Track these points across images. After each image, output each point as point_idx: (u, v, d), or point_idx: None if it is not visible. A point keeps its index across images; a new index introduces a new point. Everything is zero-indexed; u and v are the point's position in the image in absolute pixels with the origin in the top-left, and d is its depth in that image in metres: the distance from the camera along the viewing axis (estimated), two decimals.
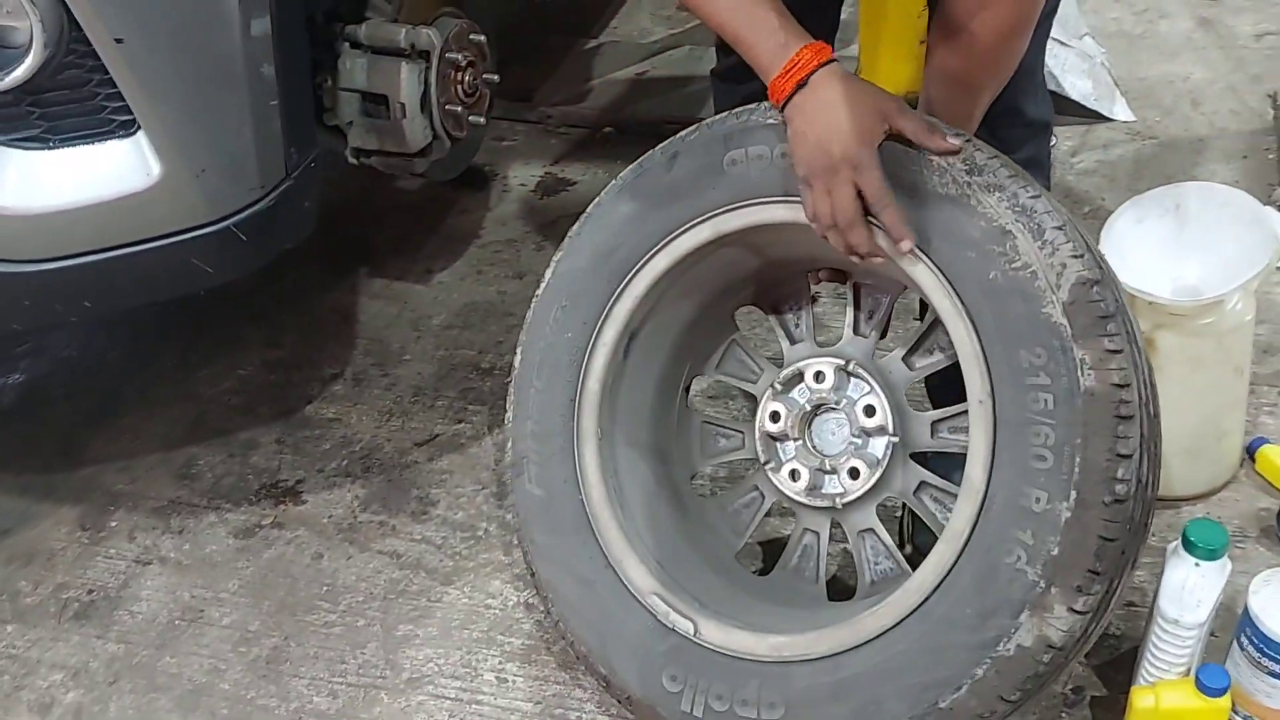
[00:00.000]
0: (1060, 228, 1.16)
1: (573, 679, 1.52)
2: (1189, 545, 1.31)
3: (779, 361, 1.48)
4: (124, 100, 1.22)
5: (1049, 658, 1.14)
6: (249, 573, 1.74)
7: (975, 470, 1.17)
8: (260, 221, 1.37)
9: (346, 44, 1.68)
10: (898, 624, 1.19)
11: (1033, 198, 1.18)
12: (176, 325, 2.23)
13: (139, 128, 1.24)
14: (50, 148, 1.24)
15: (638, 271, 1.37)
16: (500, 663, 1.56)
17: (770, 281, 1.49)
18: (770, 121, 1.29)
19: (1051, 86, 2.34)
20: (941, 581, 1.17)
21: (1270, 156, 2.30)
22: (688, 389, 1.56)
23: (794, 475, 1.40)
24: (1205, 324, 1.51)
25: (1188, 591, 1.30)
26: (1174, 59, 2.65)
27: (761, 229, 1.32)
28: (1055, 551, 1.12)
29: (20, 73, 1.17)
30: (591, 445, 1.40)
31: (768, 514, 1.51)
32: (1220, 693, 1.28)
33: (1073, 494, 1.11)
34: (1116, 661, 1.49)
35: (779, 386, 1.42)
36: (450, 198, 2.51)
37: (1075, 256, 1.14)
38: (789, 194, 1.26)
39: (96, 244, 1.29)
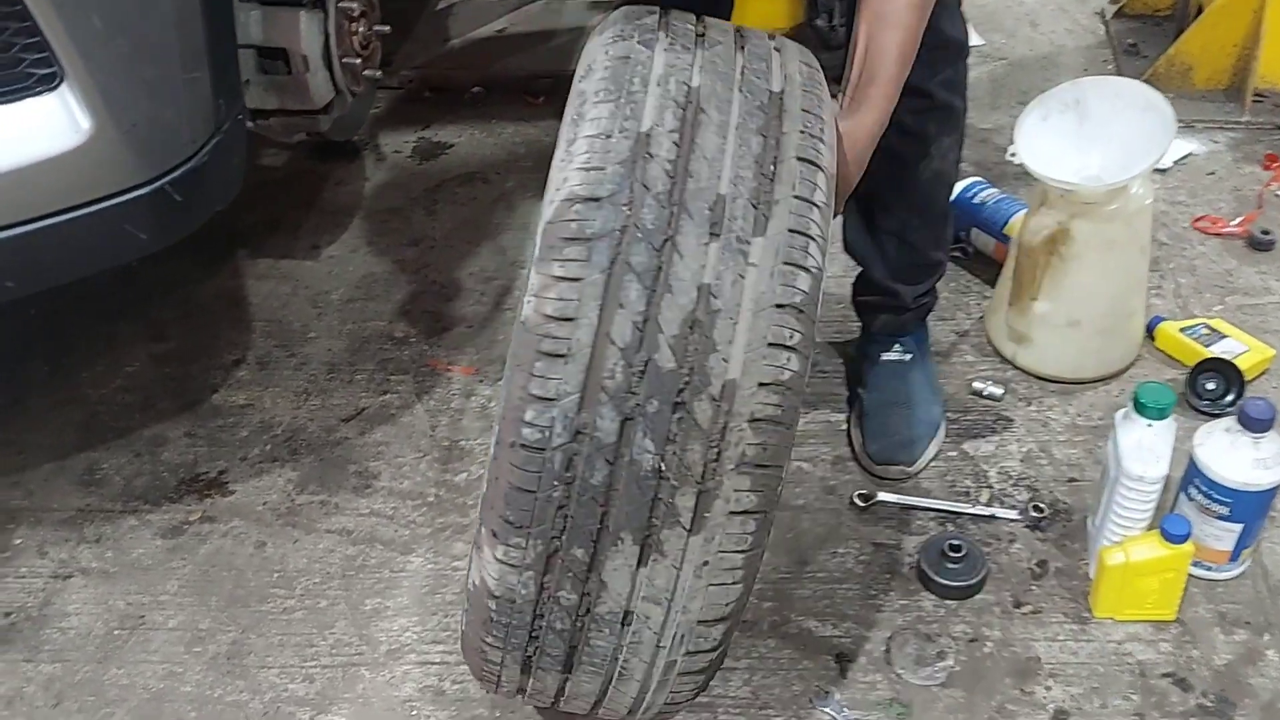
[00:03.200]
0: (594, 137, 0.97)
1: None
2: (1140, 408, 1.41)
3: None
4: (45, 50, 1.10)
5: (495, 605, 1.02)
6: (187, 571, 1.63)
7: None
8: (194, 180, 1.27)
9: None
10: None
11: (596, 103, 0.99)
12: (39, 330, 2.04)
13: (62, 80, 1.13)
14: None
15: None
16: None
17: None
18: None
19: None
20: None
21: (1109, 67, 2.49)
22: None
23: None
24: (1114, 209, 1.62)
25: (1145, 449, 1.40)
26: None
27: None
28: (485, 489, 1.02)
29: None
30: None
31: None
32: (1184, 539, 1.39)
33: (495, 429, 1.00)
34: (1070, 533, 1.59)
35: None
36: (322, 171, 2.40)
37: (583, 169, 0.95)
38: None
39: (19, 215, 1.16)
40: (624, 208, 0.93)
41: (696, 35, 1.06)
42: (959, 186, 2.04)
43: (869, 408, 1.71)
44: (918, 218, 1.63)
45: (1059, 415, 1.76)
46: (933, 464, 1.69)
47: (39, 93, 1.13)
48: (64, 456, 1.81)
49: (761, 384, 0.93)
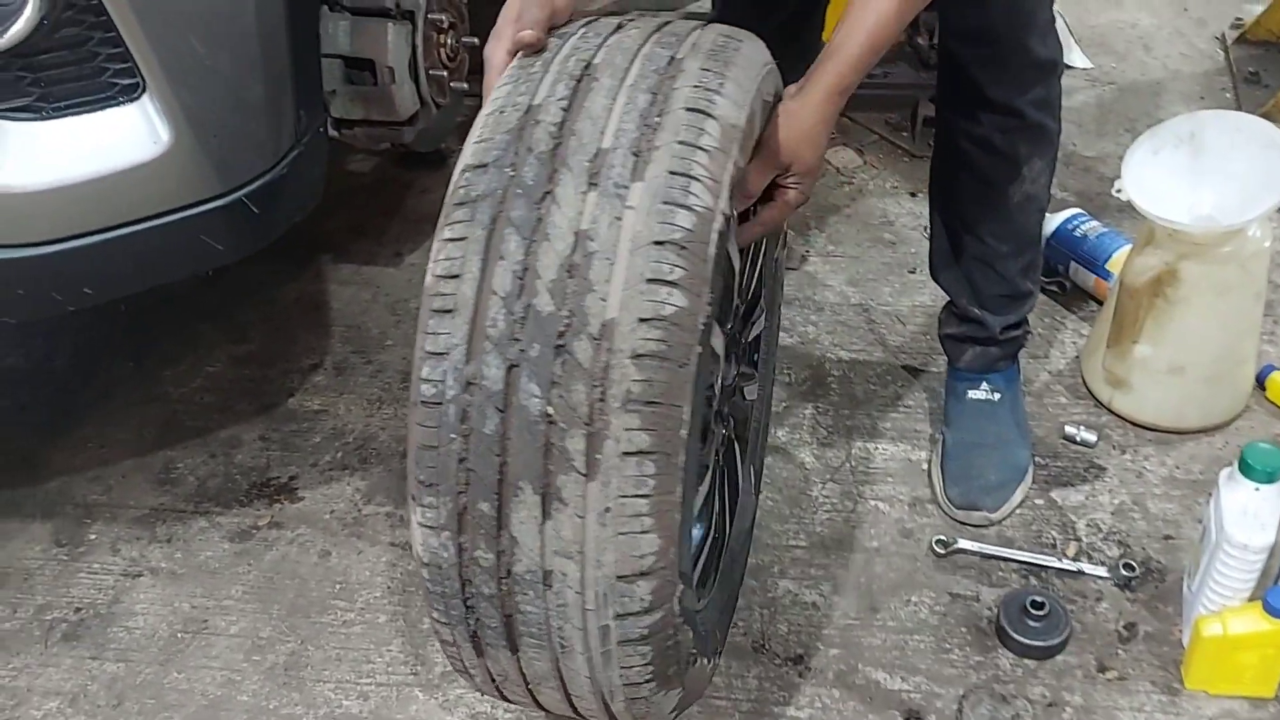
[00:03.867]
0: (490, 114, 1.02)
1: None
2: (1247, 469, 1.32)
3: None
4: (129, 60, 1.10)
5: (428, 575, 1.04)
6: (251, 577, 1.63)
7: None
8: (272, 192, 1.26)
9: (325, 6, 1.57)
10: None
11: (500, 87, 1.04)
12: (127, 328, 2.08)
13: (144, 91, 1.13)
14: (44, 118, 1.12)
15: None
16: None
17: None
18: None
19: None
20: None
21: (1228, 96, 2.36)
22: None
23: None
24: (1227, 251, 1.53)
25: (1250, 515, 1.31)
26: (1119, 6, 2.70)
27: None
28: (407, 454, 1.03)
29: (13, 34, 1.04)
30: None
31: None
32: None
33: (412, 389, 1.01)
34: (1162, 595, 1.50)
35: None
36: (406, 179, 2.40)
37: (475, 142, 1.01)
38: None
39: (99, 223, 1.16)
40: (507, 169, 0.97)
41: (617, 27, 1.09)
42: (1059, 217, 1.96)
43: (952, 448, 1.64)
44: (1007, 244, 1.56)
45: (1156, 466, 1.67)
46: (1018, 512, 1.61)
47: (121, 103, 1.13)
48: (143, 454, 1.84)
49: (642, 319, 0.92)
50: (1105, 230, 1.90)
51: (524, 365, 0.93)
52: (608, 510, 0.95)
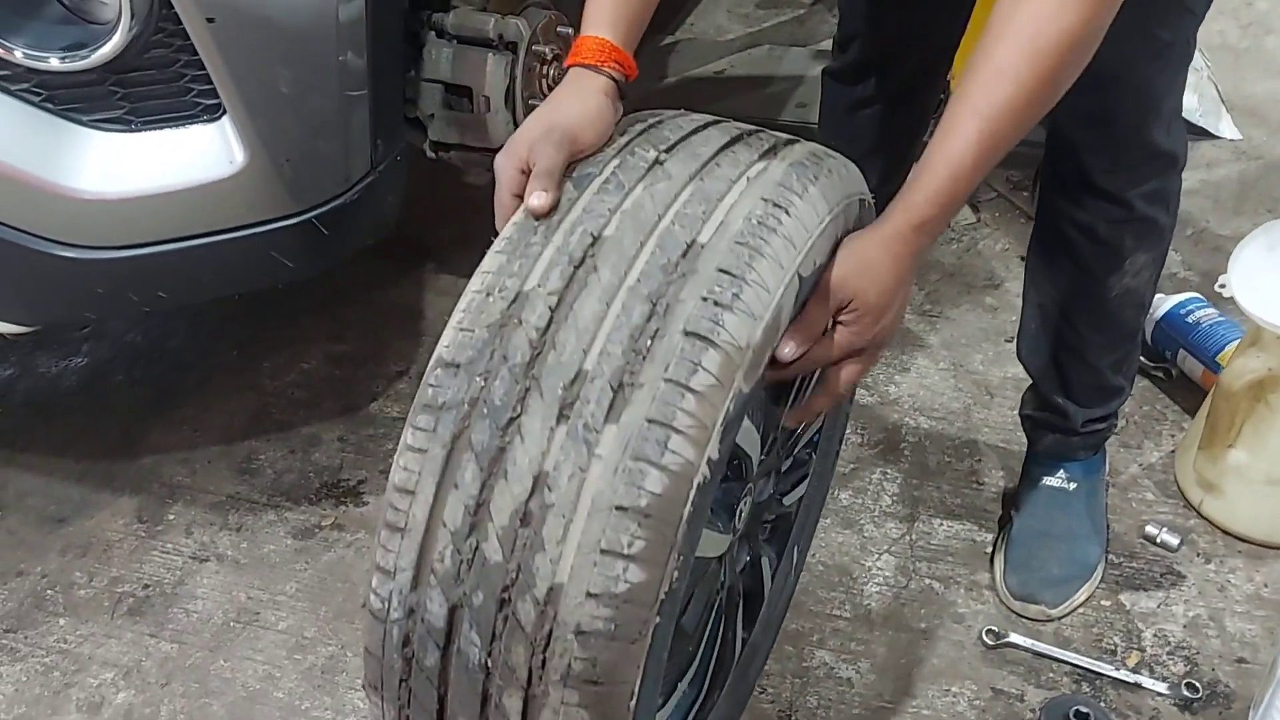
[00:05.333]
0: (477, 292, 0.92)
1: None
2: None
3: None
4: (211, 83, 1.16)
5: None
6: (307, 575, 1.68)
7: None
8: (342, 216, 1.31)
9: (432, 33, 1.61)
10: None
11: (493, 253, 0.94)
12: (236, 315, 2.18)
13: (224, 113, 1.18)
14: (132, 130, 1.18)
15: None
16: None
17: None
18: None
19: None
20: None
21: None
22: None
23: None
24: None
25: None
26: None
27: None
28: None
29: (106, 50, 1.11)
30: None
31: None
32: None
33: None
34: None
35: None
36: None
37: (456, 328, 0.91)
38: None
39: (175, 232, 1.23)
40: (478, 378, 0.87)
41: (654, 164, 0.96)
42: (1173, 300, 1.85)
43: (1017, 535, 1.57)
44: (1101, 335, 1.47)
45: (1241, 581, 1.55)
46: (1080, 612, 1.53)
47: (202, 122, 1.19)
48: (230, 442, 1.92)
49: (590, 594, 0.83)
50: (1221, 319, 1.78)
51: (466, 610, 0.87)
52: None
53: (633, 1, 1.04)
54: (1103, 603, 1.54)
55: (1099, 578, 1.55)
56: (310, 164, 1.25)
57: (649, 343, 0.86)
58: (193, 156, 1.19)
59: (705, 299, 0.87)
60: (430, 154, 1.74)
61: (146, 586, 1.68)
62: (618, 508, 0.83)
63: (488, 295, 0.90)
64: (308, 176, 1.26)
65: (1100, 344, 1.48)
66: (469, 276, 2.39)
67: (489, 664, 0.87)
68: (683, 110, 1.07)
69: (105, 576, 1.70)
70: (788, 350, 0.96)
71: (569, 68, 1.05)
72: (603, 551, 0.83)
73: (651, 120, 1.04)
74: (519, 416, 0.86)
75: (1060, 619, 1.52)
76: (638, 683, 0.86)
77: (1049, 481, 1.58)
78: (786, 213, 0.93)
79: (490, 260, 0.92)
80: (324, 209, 1.28)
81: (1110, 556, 1.59)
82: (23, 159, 1.16)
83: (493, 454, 0.85)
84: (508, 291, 0.89)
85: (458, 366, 0.88)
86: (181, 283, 1.30)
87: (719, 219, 0.92)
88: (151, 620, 1.63)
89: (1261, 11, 2.80)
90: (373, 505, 1.79)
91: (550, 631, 0.85)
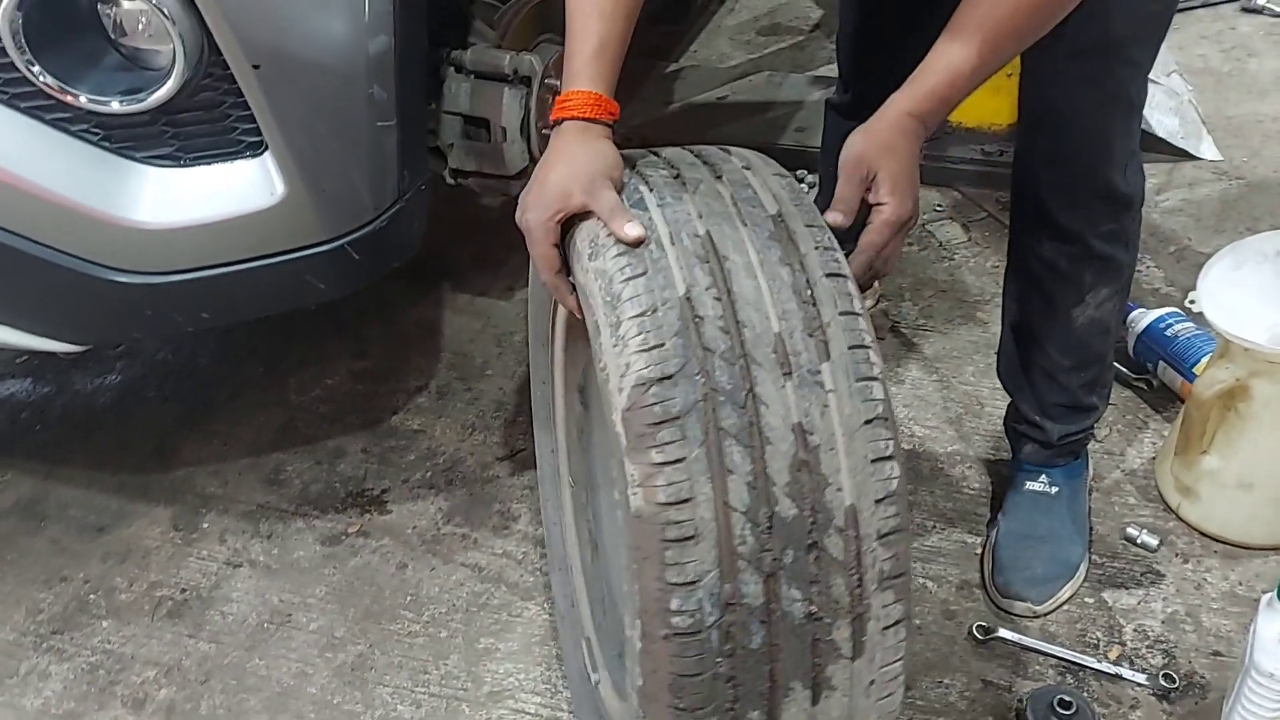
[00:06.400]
0: (638, 316, 0.96)
1: None
2: None
3: None
4: (254, 122, 1.26)
5: None
6: (336, 579, 1.78)
7: None
8: (372, 241, 1.41)
9: (451, 68, 1.71)
10: None
11: (626, 280, 0.99)
12: (264, 334, 2.28)
13: (266, 148, 1.29)
14: (181, 165, 1.29)
15: None
16: None
17: None
18: None
19: None
20: None
21: None
22: None
23: None
24: None
25: None
26: (1263, 98, 2.63)
27: None
28: (640, 683, 1.00)
29: (161, 94, 1.22)
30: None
31: None
32: None
33: (638, 624, 0.97)
34: (1202, 711, 1.49)
35: None
36: None
37: (643, 350, 0.95)
38: None
39: (220, 258, 1.33)
40: (698, 377, 0.94)
41: (674, 178, 1.08)
42: (1153, 314, 1.95)
43: (1004, 537, 1.66)
44: (1070, 359, 1.57)
45: (1217, 580, 1.64)
46: (1065, 608, 1.62)
47: (245, 157, 1.29)
48: (259, 454, 2.02)
49: (877, 500, 0.95)
50: (1198, 333, 1.88)
51: (781, 573, 0.94)
52: (872, 683, 1.00)
53: (614, 55, 1.14)
54: (1086, 600, 1.63)
55: (1082, 576, 1.64)
56: (343, 193, 1.36)
57: (809, 292, 0.98)
58: (237, 189, 1.30)
59: (816, 247, 1.01)
60: (449, 180, 1.84)
61: (184, 591, 1.78)
62: (865, 422, 0.95)
63: (654, 312, 0.96)
64: (341, 205, 1.36)
65: (1069, 367, 1.58)
66: (484, 295, 2.48)
67: (814, 610, 0.95)
68: (630, 149, 1.17)
69: (144, 581, 1.80)
70: (837, 218, 1.11)
71: (562, 120, 1.12)
72: (873, 461, 0.95)
73: (631, 154, 1.15)
74: (752, 389, 0.94)
75: (1045, 615, 1.61)
76: (909, 567, 0.98)
77: (1032, 486, 1.68)
78: (797, 179, 1.11)
79: (630, 288, 0.98)
80: (355, 235, 1.38)
81: (1093, 556, 1.68)
82: (82, 192, 1.27)
83: (748, 429, 0.94)
84: (670, 302, 0.96)
85: (670, 377, 0.94)
86: (223, 304, 1.41)
87: (769, 193, 1.06)
88: (190, 622, 1.73)
89: (1243, 35, 2.90)
90: (396, 513, 1.88)
91: (859, 550, 0.95)
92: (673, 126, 2.70)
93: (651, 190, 1.06)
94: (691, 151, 1.15)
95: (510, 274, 2.39)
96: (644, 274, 0.98)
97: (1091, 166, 1.39)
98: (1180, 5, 3.01)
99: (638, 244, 1.00)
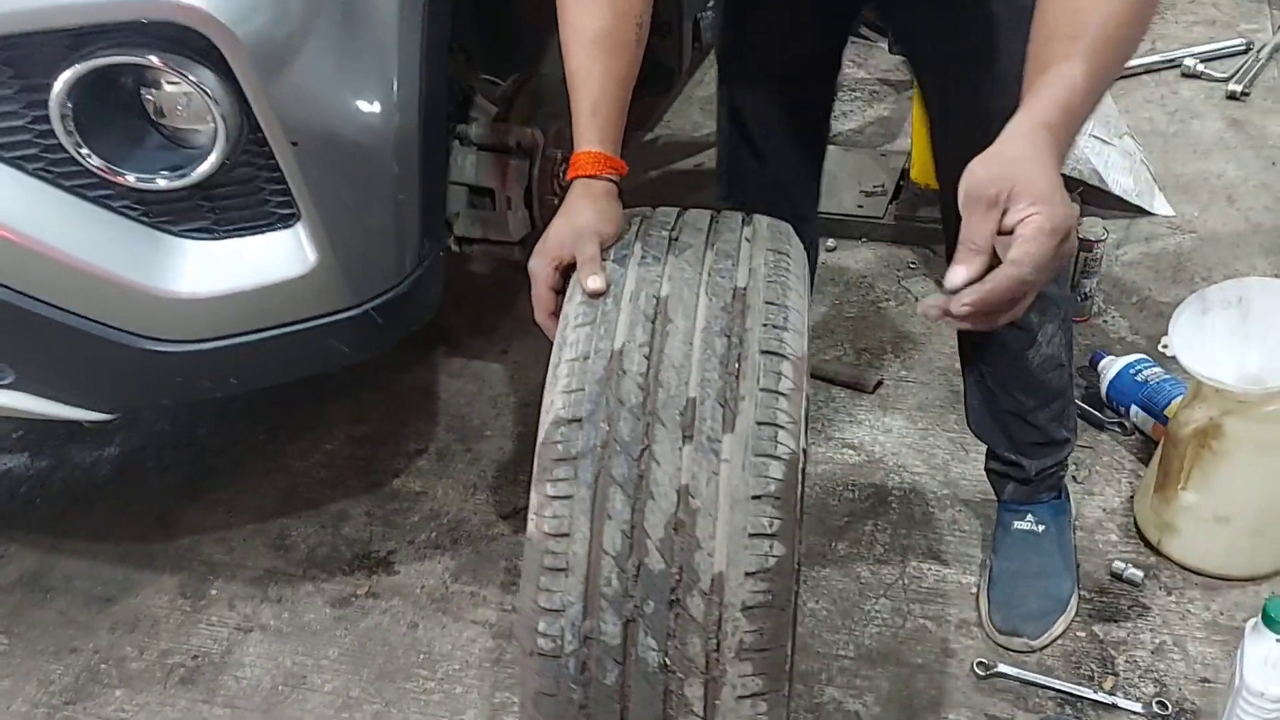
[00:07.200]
0: (574, 360, 1.05)
1: None
2: (1270, 622, 1.39)
3: None
4: (288, 195, 1.32)
5: None
6: (348, 641, 1.81)
7: None
8: (395, 305, 1.47)
9: (457, 141, 1.79)
10: None
11: (575, 326, 1.08)
12: (262, 401, 2.32)
13: (298, 219, 1.35)
14: (216, 238, 1.35)
15: None
16: None
17: None
18: None
19: (1095, 182, 2.48)
20: None
21: None
22: None
23: None
24: (1272, 410, 1.61)
25: (1270, 665, 1.38)
26: (1207, 157, 2.79)
27: None
28: (516, 698, 1.06)
29: (202, 171, 1.28)
30: None
31: None
32: None
33: (516, 642, 1.05)
34: None
35: None
36: (521, 281, 2.59)
37: (565, 392, 1.04)
38: None
39: (252, 325, 1.38)
40: (602, 424, 1.01)
41: (670, 240, 1.15)
42: (1124, 361, 2.05)
43: (997, 576, 1.73)
44: (1034, 398, 1.67)
45: (1200, 610, 1.73)
46: (1059, 642, 1.69)
47: (278, 228, 1.35)
48: (263, 520, 2.05)
49: (748, 573, 0.98)
50: (1166, 377, 1.98)
51: (640, 620, 0.99)
52: None
53: (611, 115, 1.22)
54: (1079, 634, 1.71)
55: (1074, 610, 1.71)
56: (370, 261, 1.42)
57: (737, 365, 1.03)
58: (270, 259, 1.35)
59: (765, 325, 1.06)
60: (454, 247, 1.91)
61: (195, 657, 1.80)
62: (753, 497, 0.99)
63: (585, 359, 1.04)
64: (367, 272, 1.42)
65: (1035, 405, 1.67)
66: (479, 358, 2.53)
67: (667, 662, 0.99)
68: (662, 207, 1.26)
69: (155, 649, 1.81)
70: (961, 274, 0.95)
71: (573, 179, 1.22)
72: (750, 535, 0.98)
73: (647, 212, 1.24)
74: (649, 445, 1.00)
75: (1041, 649, 1.67)
76: (790, 644, 1.00)
77: (1019, 525, 1.76)
78: (788, 256, 1.16)
79: (574, 334, 1.07)
80: (379, 300, 1.44)
81: (1082, 592, 1.76)
82: (121, 265, 1.32)
83: (635, 481, 1.00)
84: (603, 352, 1.04)
85: (579, 420, 1.02)
86: (251, 370, 1.45)
87: (746, 268, 1.12)
88: (203, 688, 1.74)
89: (1185, 98, 3.08)
90: (404, 574, 1.92)
91: (720, 616, 0.98)
92: (651, 193, 2.80)
93: (642, 249, 1.14)
94: (709, 216, 1.22)
95: (502, 338, 2.45)
96: (590, 323, 1.07)
97: None
98: (1124, 71, 3.21)
99: (596, 296, 1.09)
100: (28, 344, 1.37)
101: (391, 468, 2.14)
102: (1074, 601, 1.72)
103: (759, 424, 1.01)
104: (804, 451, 1.03)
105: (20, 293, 1.31)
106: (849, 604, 1.79)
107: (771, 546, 0.99)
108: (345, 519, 2.04)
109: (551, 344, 1.17)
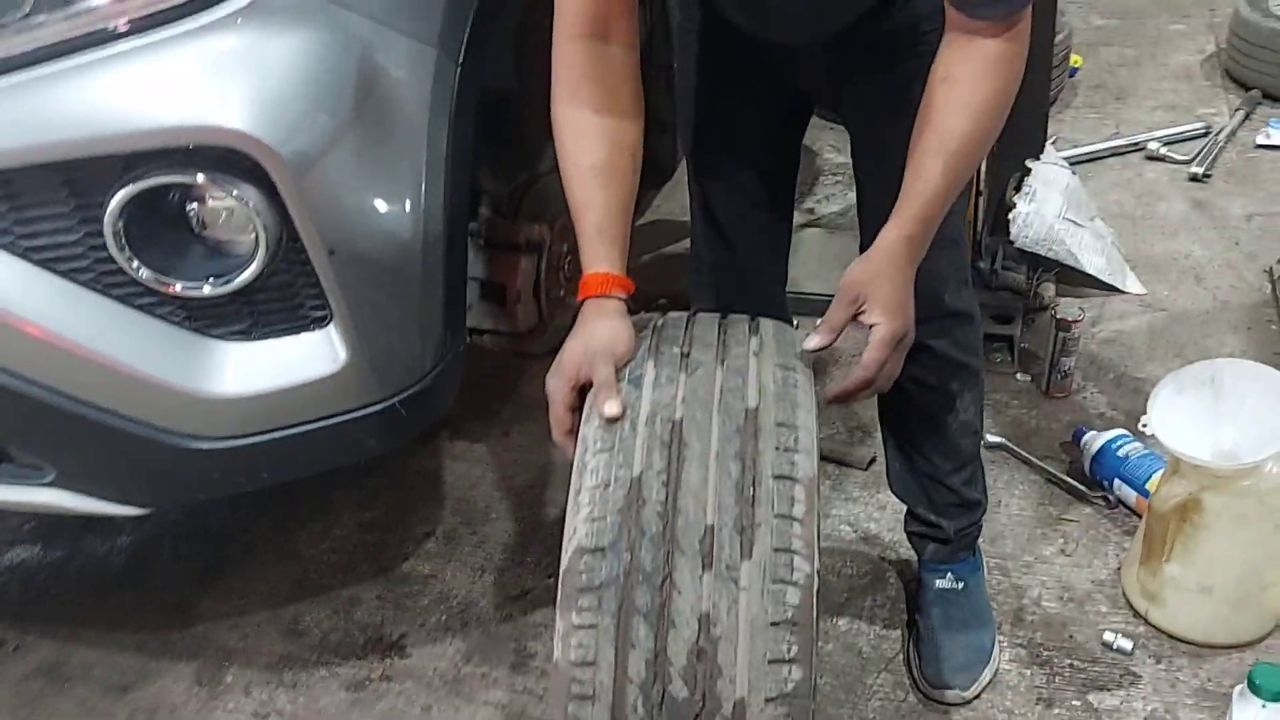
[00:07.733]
0: (595, 487, 1.09)
1: None
2: (1255, 688, 1.46)
3: None
4: (322, 298, 1.41)
5: None
6: None
7: None
8: (418, 399, 1.55)
9: (469, 238, 1.89)
10: None
11: (595, 453, 1.12)
12: (271, 492, 2.34)
13: (330, 320, 1.43)
14: (253, 339, 1.42)
15: None
16: None
17: None
18: None
19: (1070, 262, 2.60)
20: None
21: (1273, 328, 2.54)
22: None
23: None
24: (1247, 485, 1.70)
25: None
26: (1174, 238, 2.93)
27: None
28: None
29: (243, 278, 1.36)
30: None
31: None
32: None
33: None
34: None
35: None
36: (521, 367, 2.69)
37: (588, 520, 1.08)
38: None
39: (285, 421, 1.46)
40: (625, 553, 1.05)
41: (681, 357, 1.19)
42: (1105, 436, 2.15)
43: (925, 633, 1.83)
44: (950, 463, 1.78)
45: (1189, 678, 1.80)
46: (1055, 712, 1.76)
47: (311, 329, 1.43)
48: (276, 606, 2.09)
49: (769, 699, 1.02)
50: (1146, 453, 2.08)
51: None
52: None
53: (616, 237, 1.32)
54: (1074, 703, 1.77)
55: (997, 660, 1.82)
56: (398, 358, 1.50)
57: (752, 491, 1.07)
58: (304, 358, 1.43)
59: (777, 449, 1.10)
60: (467, 338, 2.00)
61: None
62: (772, 624, 1.03)
63: (606, 487, 1.08)
64: (395, 369, 1.50)
65: (951, 469, 1.78)
66: (481, 442, 2.59)
67: None
68: (671, 314, 1.33)
69: None
70: (814, 341, 1.23)
71: (583, 300, 1.28)
72: (770, 662, 1.02)
73: (657, 322, 1.30)
74: (670, 574, 1.04)
75: (971, 700, 1.76)
76: None
77: (941, 584, 1.86)
78: (795, 372, 1.20)
79: (594, 459, 1.11)
80: (405, 395, 1.52)
81: (1074, 662, 1.83)
82: (163, 369, 1.39)
83: (658, 610, 1.03)
84: (622, 480, 1.08)
85: (602, 550, 1.06)
86: (282, 464, 1.52)
87: (756, 387, 1.16)
88: None
89: (1150, 181, 3.23)
90: (416, 656, 1.96)
91: None
92: (648, 275, 2.90)
93: (655, 368, 1.18)
94: (717, 325, 1.27)
95: (504, 422, 2.52)
96: (610, 449, 1.11)
97: (932, 292, 1.53)
98: (1091, 155, 3.35)
99: (613, 421, 1.13)
100: (71, 444, 1.44)
101: (400, 552, 2.19)
102: (996, 651, 1.82)
103: (775, 550, 1.05)
104: (817, 573, 1.08)
105: (66, 395, 1.38)
106: (851, 679, 1.85)
107: (790, 671, 1.02)
108: (357, 603, 2.08)
109: (554, 438, 1.23)
